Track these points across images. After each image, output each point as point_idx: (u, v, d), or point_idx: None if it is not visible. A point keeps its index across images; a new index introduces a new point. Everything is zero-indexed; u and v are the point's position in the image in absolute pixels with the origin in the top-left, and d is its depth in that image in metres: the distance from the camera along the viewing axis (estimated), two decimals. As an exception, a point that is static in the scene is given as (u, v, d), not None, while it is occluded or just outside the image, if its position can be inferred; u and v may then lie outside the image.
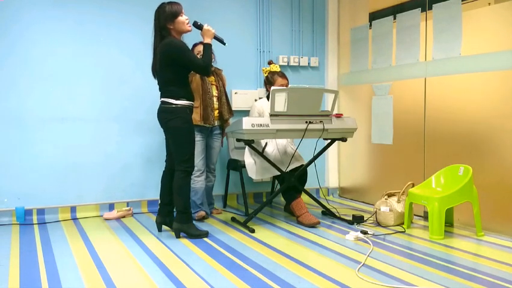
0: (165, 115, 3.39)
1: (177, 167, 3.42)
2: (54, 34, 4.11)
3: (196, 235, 3.44)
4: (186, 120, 3.38)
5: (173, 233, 3.54)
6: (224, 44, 3.59)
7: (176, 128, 3.37)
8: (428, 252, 3.08)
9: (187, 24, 3.38)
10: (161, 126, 3.47)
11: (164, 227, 3.68)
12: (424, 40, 4.08)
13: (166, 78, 3.39)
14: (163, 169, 3.65)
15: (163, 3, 3.39)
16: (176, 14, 3.34)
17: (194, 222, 3.84)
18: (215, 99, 4.05)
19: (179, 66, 3.33)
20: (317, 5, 5.17)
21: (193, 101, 3.48)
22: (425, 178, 4.03)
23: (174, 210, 3.60)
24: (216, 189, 4.54)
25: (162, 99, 3.41)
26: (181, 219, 3.45)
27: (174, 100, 3.35)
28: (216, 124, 4.12)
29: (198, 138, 3.99)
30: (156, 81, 3.48)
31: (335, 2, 5.18)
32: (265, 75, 4.28)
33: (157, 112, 3.45)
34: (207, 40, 3.42)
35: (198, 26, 3.47)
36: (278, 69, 4.26)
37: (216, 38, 3.54)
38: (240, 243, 3.31)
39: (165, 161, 3.64)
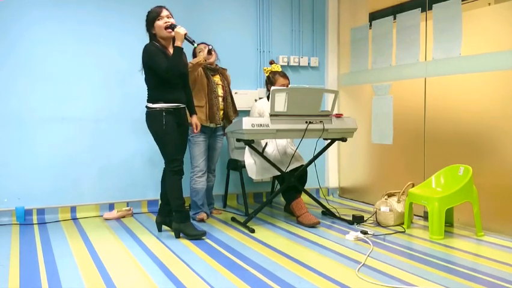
0: (146, 118, 3.47)
1: (166, 168, 3.47)
2: (54, 34, 4.11)
3: (193, 235, 3.42)
4: (163, 122, 3.37)
5: (173, 233, 3.54)
6: (193, 44, 3.42)
7: (155, 132, 3.43)
8: (428, 252, 3.08)
9: (164, 28, 3.34)
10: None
11: (164, 227, 3.68)
12: (424, 40, 4.08)
13: (147, 82, 3.47)
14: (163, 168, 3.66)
15: (151, 9, 3.44)
16: (154, 19, 3.37)
17: (194, 222, 3.84)
18: (220, 99, 4.04)
19: (154, 70, 3.36)
20: (317, 5, 5.17)
21: (174, 103, 3.41)
22: (425, 178, 4.03)
23: (169, 210, 3.62)
24: (216, 189, 4.54)
25: (146, 103, 3.48)
26: (177, 218, 3.46)
27: (151, 104, 3.41)
28: (221, 125, 4.12)
29: (201, 138, 3.99)
30: None
31: (335, 2, 5.18)
32: (267, 75, 4.28)
33: None
34: (177, 43, 3.33)
35: (172, 29, 3.36)
36: (279, 69, 4.27)
37: (186, 39, 3.38)
38: (240, 243, 3.31)
39: None
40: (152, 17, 3.39)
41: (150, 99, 3.43)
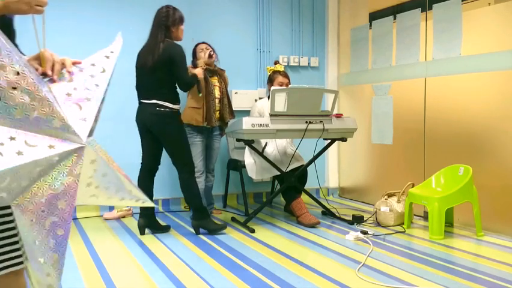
0: (163, 119, 3.38)
1: (180, 170, 3.46)
2: (54, 34, 4.11)
3: (215, 229, 3.52)
4: (181, 123, 3.51)
5: (170, 233, 3.54)
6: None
7: (175, 133, 3.43)
8: (428, 252, 3.08)
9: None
10: (154, 129, 3.41)
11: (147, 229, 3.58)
12: (424, 40, 4.08)
13: (162, 81, 3.38)
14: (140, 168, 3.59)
15: (168, 6, 3.45)
16: (182, 21, 3.49)
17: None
18: (217, 100, 4.03)
19: (173, 73, 3.39)
20: (317, 5, 5.17)
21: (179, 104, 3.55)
22: (425, 178, 4.03)
23: (151, 211, 3.56)
24: (216, 189, 4.54)
25: (155, 101, 3.36)
26: (199, 216, 3.52)
27: (171, 104, 3.40)
28: (217, 125, 4.11)
29: (198, 139, 3.98)
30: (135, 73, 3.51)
31: (335, 2, 5.18)
32: (269, 74, 4.30)
33: (147, 114, 3.40)
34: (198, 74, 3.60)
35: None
36: (282, 69, 4.28)
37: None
38: (240, 243, 3.31)
39: (141, 162, 3.59)
40: (181, 17, 3.48)
41: (168, 99, 3.39)
